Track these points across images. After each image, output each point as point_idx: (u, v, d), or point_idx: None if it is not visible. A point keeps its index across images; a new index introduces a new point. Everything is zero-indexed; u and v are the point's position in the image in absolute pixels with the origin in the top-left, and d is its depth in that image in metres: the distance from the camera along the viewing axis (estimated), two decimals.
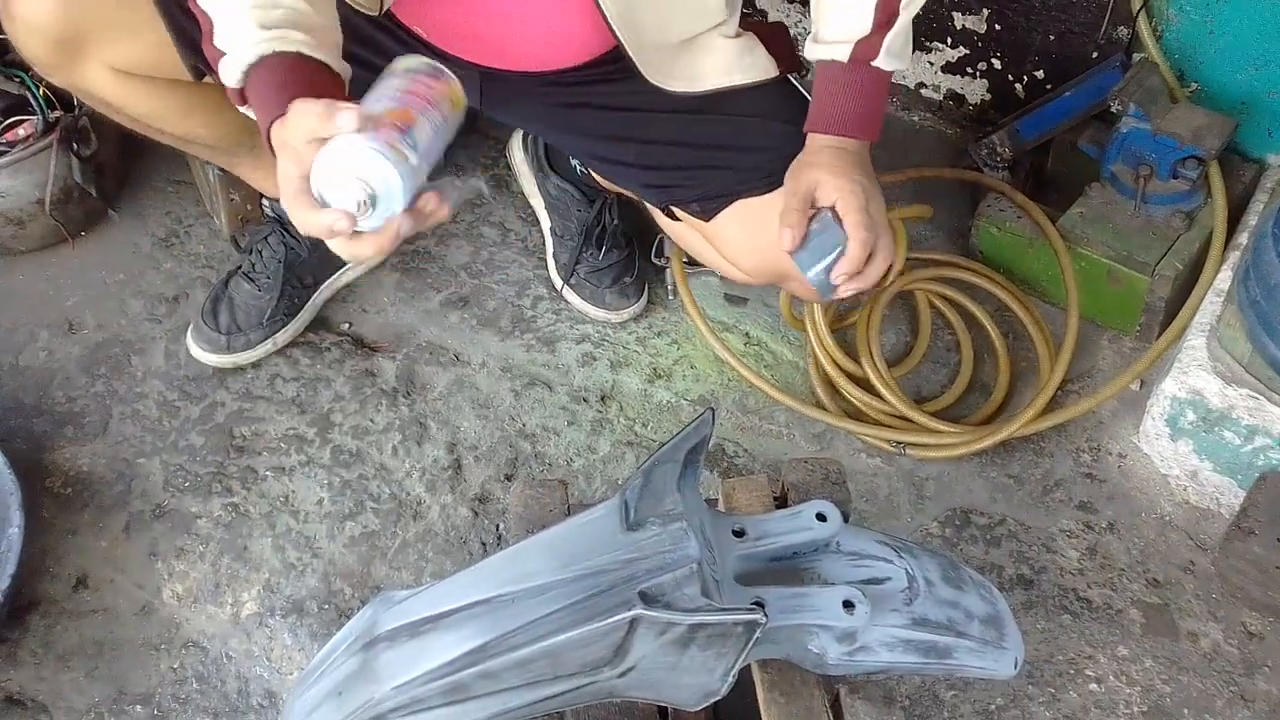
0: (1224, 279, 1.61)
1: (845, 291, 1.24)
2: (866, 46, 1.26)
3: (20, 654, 1.48)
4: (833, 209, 1.22)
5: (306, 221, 1.00)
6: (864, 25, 1.26)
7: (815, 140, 1.30)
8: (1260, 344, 1.46)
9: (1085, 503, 1.60)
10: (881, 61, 1.27)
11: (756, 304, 1.86)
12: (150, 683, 1.46)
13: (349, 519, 1.61)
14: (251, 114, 1.10)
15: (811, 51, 1.31)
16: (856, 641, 1.01)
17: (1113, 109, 1.71)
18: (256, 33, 1.06)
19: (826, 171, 1.24)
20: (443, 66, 1.09)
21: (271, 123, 1.03)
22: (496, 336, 1.82)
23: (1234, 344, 1.50)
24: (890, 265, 1.26)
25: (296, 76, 1.06)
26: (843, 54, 1.27)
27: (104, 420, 1.71)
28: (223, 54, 1.08)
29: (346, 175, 0.97)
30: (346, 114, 0.96)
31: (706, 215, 1.46)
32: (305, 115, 0.98)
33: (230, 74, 1.07)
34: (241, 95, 1.09)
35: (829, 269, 1.22)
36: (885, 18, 1.25)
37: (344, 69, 1.10)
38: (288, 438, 1.69)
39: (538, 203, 1.90)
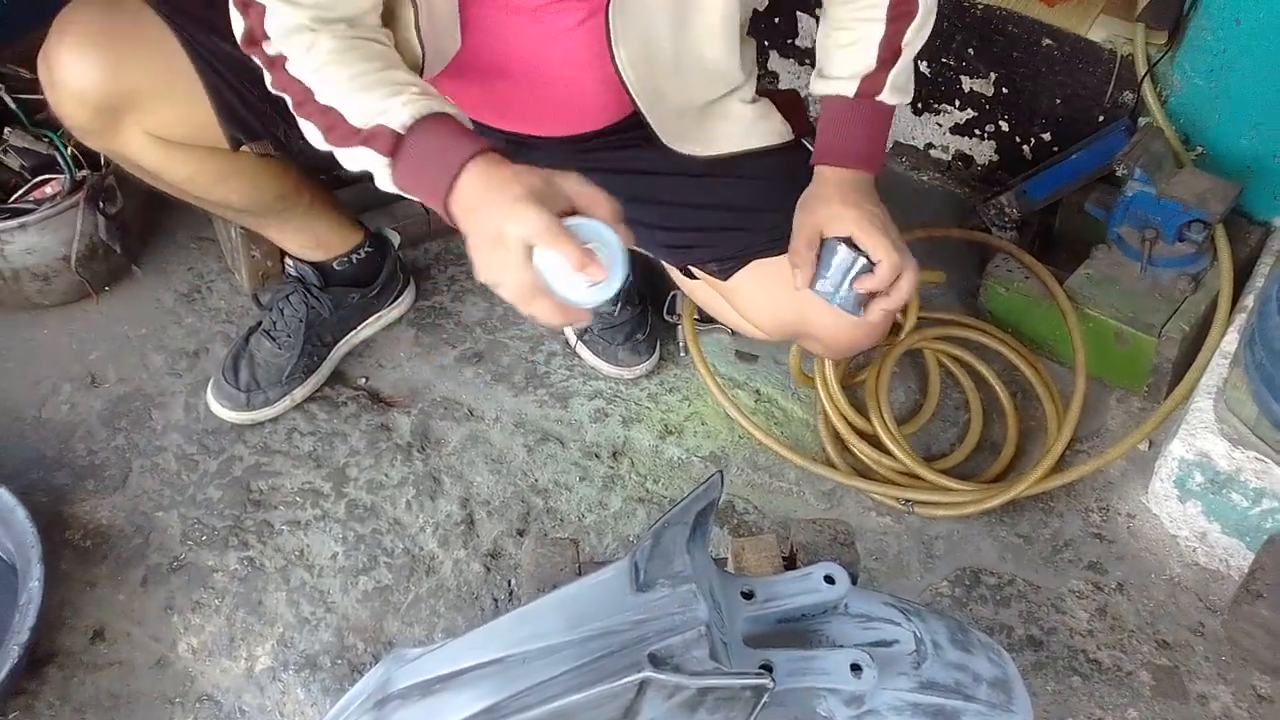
0: (1230, 341, 1.62)
1: (876, 313, 1.27)
2: (871, 82, 1.32)
3: (38, 706, 1.49)
4: (847, 240, 1.26)
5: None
6: (869, 62, 1.32)
7: (823, 173, 1.34)
8: (1266, 407, 1.47)
9: (1095, 563, 1.61)
10: (886, 96, 1.33)
11: (767, 361, 1.89)
12: None
13: (363, 574, 1.62)
14: (383, 174, 1.15)
15: (817, 87, 1.36)
16: (864, 705, 1.02)
17: (1118, 173, 1.73)
18: (405, 94, 1.12)
19: (839, 203, 1.28)
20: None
21: (459, 174, 1.08)
22: (510, 392, 1.85)
23: (1241, 406, 1.51)
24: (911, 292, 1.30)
25: (461, 130, 1.12)
26: (849, 89, 1.33)
27: (124, 473, 1.74)
28: (337, 113, 1.14)
29: (597, 244, 1.05)
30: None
31: (724, 275, 1.49)
32: (528, 223, 1.03)
33: (383, 130, 1.12)
34: (393, 147, 1.12)
35: (851, 287, 1.26)
36: (889, 55, 1.32)
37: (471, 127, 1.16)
38: (304, 492, 1.71)
39: None
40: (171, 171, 1.52)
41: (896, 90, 1.33)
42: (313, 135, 1.19)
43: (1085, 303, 1.75)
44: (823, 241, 1.29)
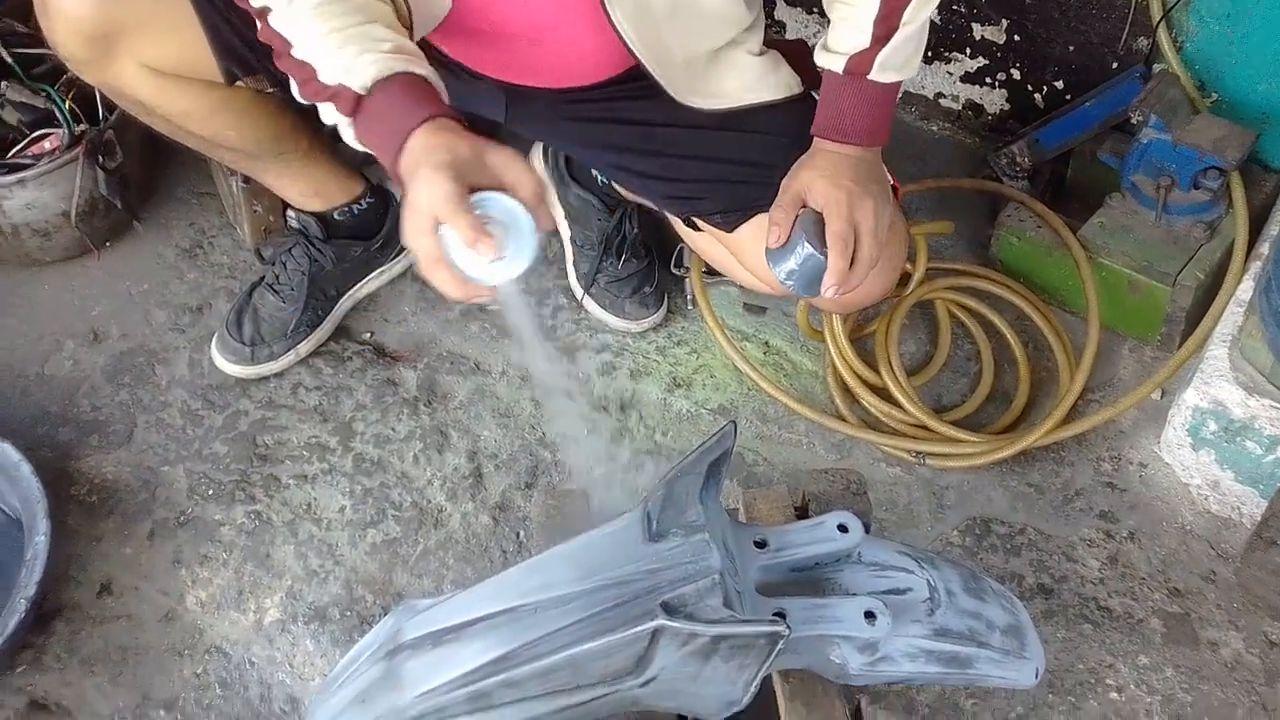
0: (1245, 289, 1.60)
1: (828, 296, 1.23)
2: (860, 60, 1.27)
3: (45, 659, 1.49)
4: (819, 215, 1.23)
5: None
6: (862, 40, 1.26)
7: (817, 144, 1.31)
8: None
9: (1106, 512, 1.60)
10: (876, 75, 1.27)
11: (775, 314, 1.87)
12: (174, 688, 1.47)
13: (371, 526, 1.62)
14: (348, 132, 1.14)
15: (816, 56, 1.32)
16: (878, 652, 1.01)
17: (1133, 120, 1.70)
18: (374, 53, 1.10)
19: (819, 176, 1.24)
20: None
21: (407, 138, 1.07)
22: (517, 346, 1.83)
23: (1256, 355, 1.49)
24: (893, 278, 1.26)
25: (420, 93, 1.11)
26: (838, 65, 1.28)
27: (129, 429, 1.73)
28: (311, 68, 1.12)
29: (508, 224, 1.04)
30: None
31: (728, 227, 1.46)
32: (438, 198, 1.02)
33: (346, 90, 1.11)
34: (354, 107, 1.11)
35: (794, 274, 1.22)
36: (883, 32, 1.25)
37: (442, 88, 1.15)
38: (310, 446, 1.71)
39: (558, 213, 1.91)
40: (167, 105, 1.50)
41: (890, 69, 1.27)
42: (293, 87, 1.18)
43: (1098, 251, 1.72)
44: (805, 211, 1.25)
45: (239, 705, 1.46)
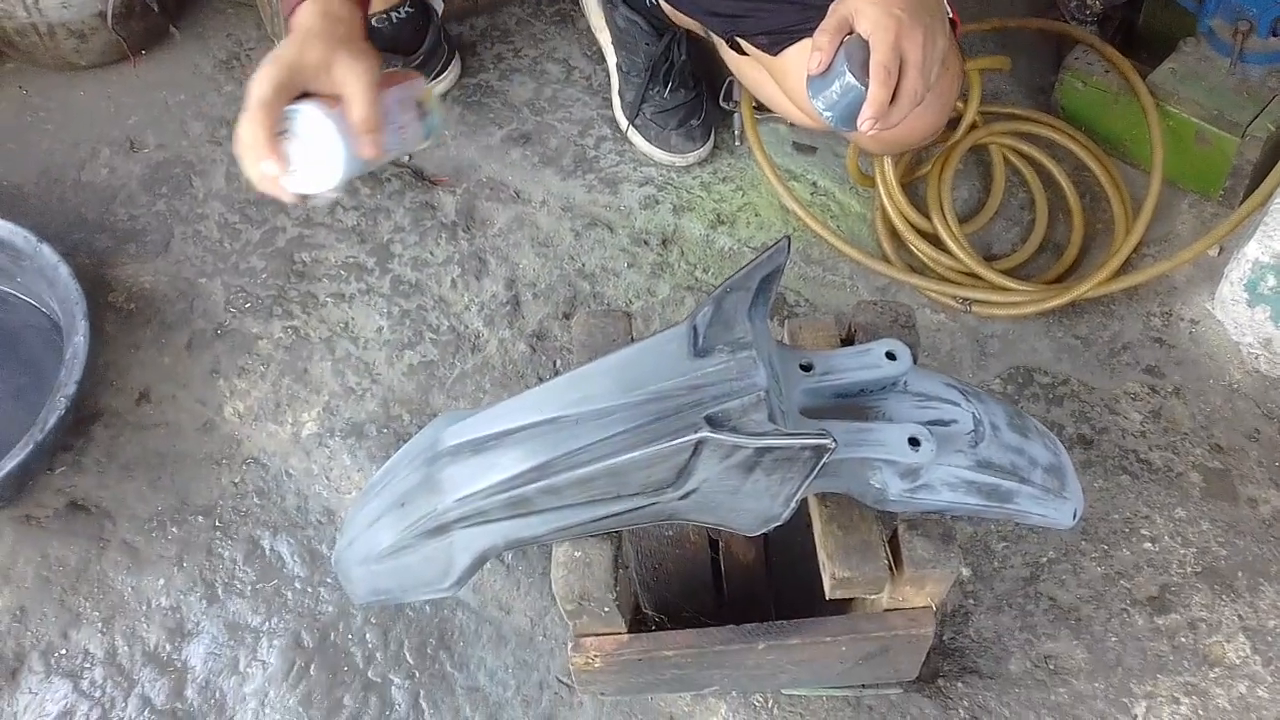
0: None
1: (864, 129, 1.14)
2: None
3: (85, 462, 1.51)
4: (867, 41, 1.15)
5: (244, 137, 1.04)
6: None
7: None
8: None
9: (1152, 366, 1.57)
10: None
11: (825, 153, 1.81)
12: (211, 495, 1.49)
13: (408, 348, 1.61)
14: None
15: None
16: (919, 479, 1.00)
17: None
18: None
19: (865, 2, 1.13)
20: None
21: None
22: (558, 175, 1.79)
23: None
24: (941, 119, 1.18)
25: None
26: None
27: (165, 239, 1.71)
28: None
29: (307, 140, 1.05)
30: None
31: (773, 49, 1.40)
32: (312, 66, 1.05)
33: None
34: None
35: (834, 104, 1.14)
36: None
37: None
38: (348, 265, 1.69)
39: (604, 37, 1.84)
40: None
41: None
42: None
43: (1167, 99, 1.65)
44: (851, 36, 1.15)
45: (275, 514, 1.47)
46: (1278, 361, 1.53)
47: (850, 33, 1.16)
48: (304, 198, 1.09)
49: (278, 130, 1.04)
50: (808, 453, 0.89)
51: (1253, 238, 1.49)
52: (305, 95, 1.06)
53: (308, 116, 1.05)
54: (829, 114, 1.16)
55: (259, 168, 1.04)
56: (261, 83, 1.03)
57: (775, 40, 1.39)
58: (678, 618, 1.26)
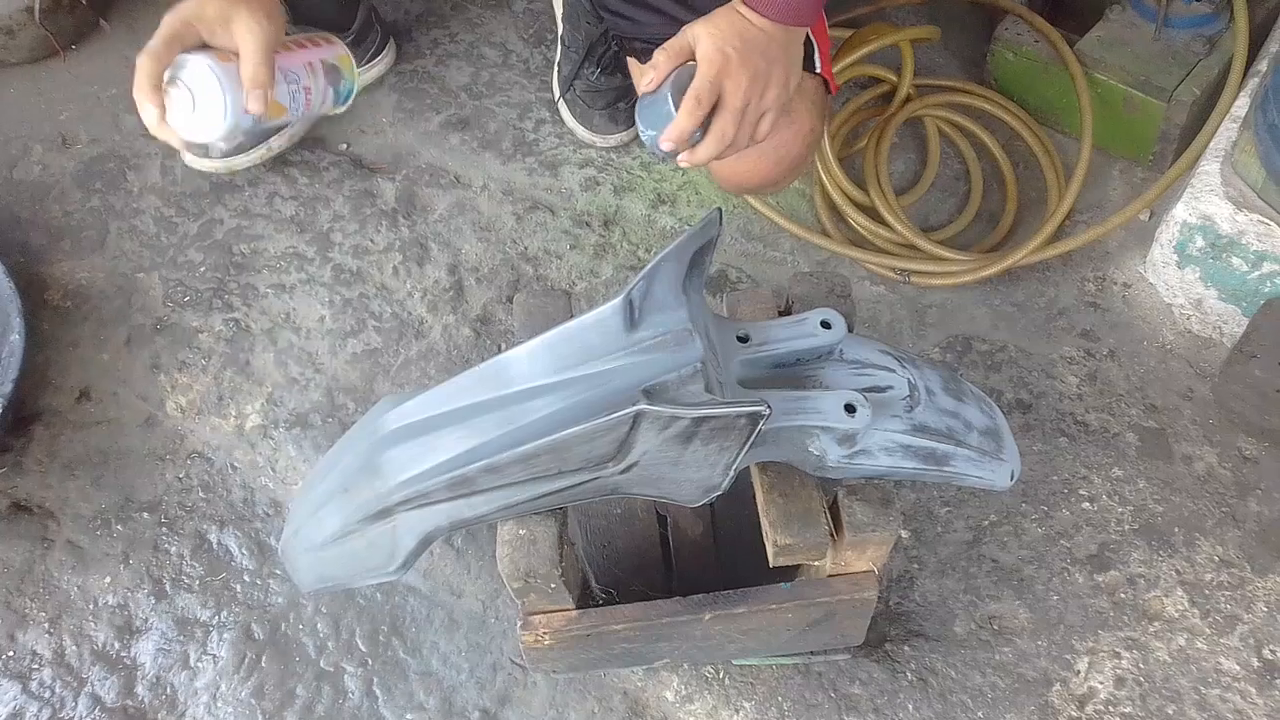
0: (1241, 106, 1.57)
1: (665, 150, 1.15)
2: None
3: (26, 463, 1.49)
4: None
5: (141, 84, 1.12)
6: None
7: (733, 3, 1.17)
8: (1274, 169, 1.43)
9: (1087, 331, 1.60)
10: None
11: None
12: (156, 491, 1.48)
13: (351, 336, 1.60)
14: None
15: None
16: (856, 445, 1.01)
17: None
18: None
19: (709, 32, 1.13)
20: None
21: None
22: (498, 159, 1.79)
23: (1248, 170, 1.47)
24: (778, 171, 1.25)
25: None
26: None
27: (101, 235, 1.69)
28: None
29: (194, 89, 1.12)
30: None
31: (644, 60, 1.41)
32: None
33: None
34: None
35: (654, 127, 1.15)
36: None
37: None
38: (287, 255, 1.68)
39: (558, 5, 1.84)
40: None
41: None
42: None
43: (1095, 66, 1.68)
44: (686, 65, 1.15)
45: (222, 508, 1.47)
46: (1209, 321, 1.57)
47: (691, 58, 1.16)
48: (198, 146, 1.15)
49: (168, 79, 1.10)
50: (743, 421, 0.90)
51: (1180, 200, 1.52)
52: (206, 48, 1.12)
53: (194, 66, 1.11)
54: (649, 134, 1.16)
55: (141, 112, 1.10)
56: (164, 24, 1.09)
57: (646, 52, 1.39)
58: (628, 594, 1.27)
